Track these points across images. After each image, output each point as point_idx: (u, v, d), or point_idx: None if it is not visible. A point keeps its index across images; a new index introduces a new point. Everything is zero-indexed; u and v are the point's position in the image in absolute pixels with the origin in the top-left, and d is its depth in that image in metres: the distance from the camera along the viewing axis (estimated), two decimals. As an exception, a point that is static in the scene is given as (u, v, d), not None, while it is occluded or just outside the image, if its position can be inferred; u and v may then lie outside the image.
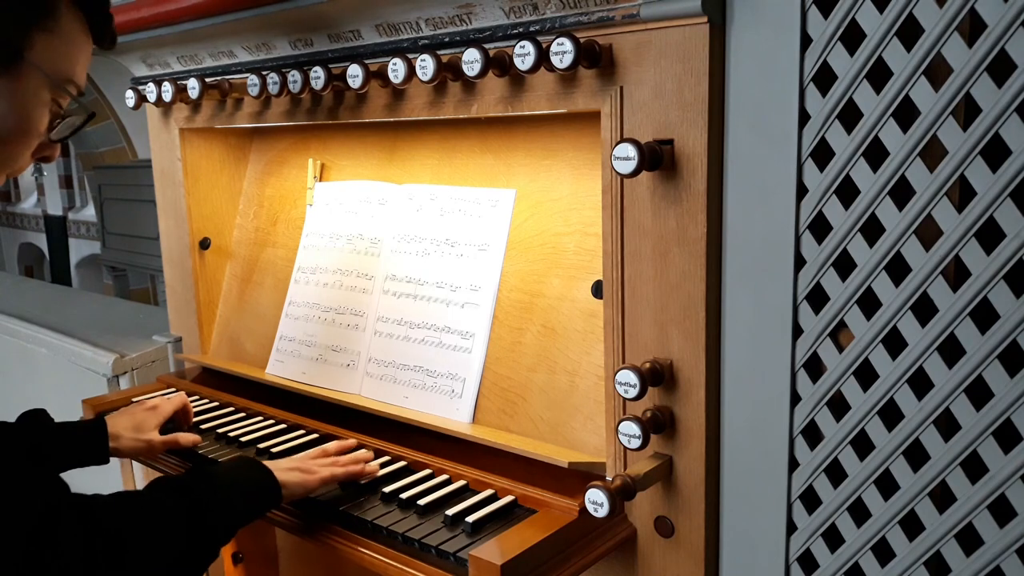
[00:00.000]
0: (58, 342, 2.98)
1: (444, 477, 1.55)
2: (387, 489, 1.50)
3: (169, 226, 2.27)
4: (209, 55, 1.94)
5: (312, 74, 1.64)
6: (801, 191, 1.19)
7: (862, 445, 1.20)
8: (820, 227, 1.18)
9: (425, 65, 1.42)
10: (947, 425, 1.12)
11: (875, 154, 1.12)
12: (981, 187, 1.05)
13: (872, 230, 1.14)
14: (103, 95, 7.72)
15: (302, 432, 1.79)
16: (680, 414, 1.32)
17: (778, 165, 1.19)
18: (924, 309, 1.11)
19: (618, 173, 1.23)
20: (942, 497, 1.14)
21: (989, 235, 1.05)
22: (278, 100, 1.84)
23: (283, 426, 1.84)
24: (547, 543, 1.28)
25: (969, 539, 1.13)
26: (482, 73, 1.35)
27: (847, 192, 1.15)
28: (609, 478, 1.40)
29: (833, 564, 1.25)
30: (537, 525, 1.33)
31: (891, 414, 1.16)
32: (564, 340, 1.56)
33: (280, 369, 2.01)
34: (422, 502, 1.45)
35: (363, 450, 1.64)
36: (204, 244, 2.22)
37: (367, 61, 1.58)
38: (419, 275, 1.79)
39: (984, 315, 1.07)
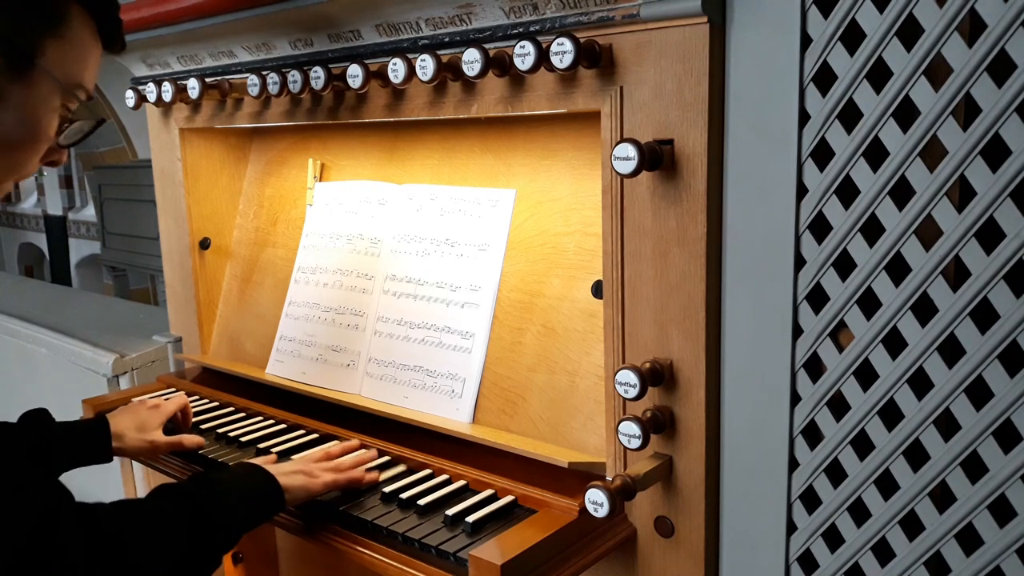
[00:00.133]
0: (58, 342, 2.98)
1: (444, 477, 1.55)
2: (387, 489, 1.50)
3: (169, 226, 2.27)
4: (209, 55, 1.94)
5: (312, 74, 1.64)
6: (801, 191, 1.19)
7: (862, 445, 1.20)
8: (820, 227, 1.18)
9: (425, 65, 1.42)
10: (947, 425, 1.12)
11: (875, 154, 1.12)
12: (981, 187, 1.05)
13: (872, 230, 1.14)
14: (103, 95, 7.72)
15: (302, 432, 1.79)
16: (680, 414, 1.32)
17: (778, 165, 1.19)
18: (924, 309, 1.11)
19: (618, 173, 1.23)
20: (942, 497, 1.14)
21: (989, 235, 1.05)
22: (278, 100, 1.84)
23: (283, 426, 1.84)
24: (547, 543, 1.28)
25: (969, 539, 1.13)
26: (482, 73, 1.35)
27: (847, 192, 1.15)
28: (609, 478, 1.40)
29: (833, 564, 1.25)
30: (537, 525, 1.33)
31: (891, 414, 1.16)
32: (564, 340, 1.56)
33: (280, 369, 2.01)
34: (422, 502, 1.45)
35: (365, 450, 1.64)
36: (204, 244, 2.22)
37: (367, 61, 1.58)
38: (419, 275, 1.79)
39: (984, 315, 1.07)
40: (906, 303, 1.12)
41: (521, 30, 1.39)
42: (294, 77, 1.68)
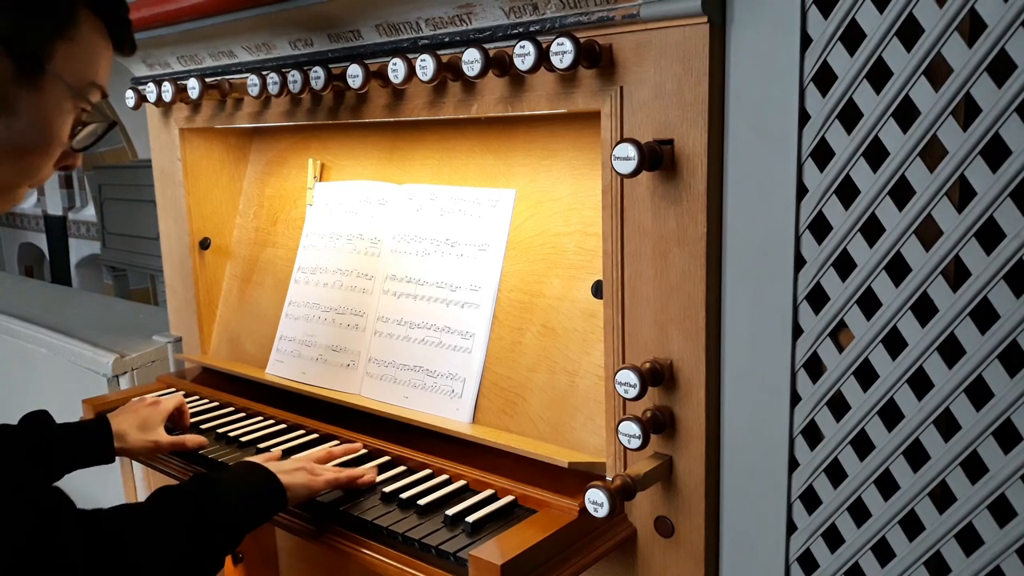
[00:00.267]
0: (58, 342, 2.98)
1: (444, 477, 1.55)
2: (387, 489, 1.50)
3: (169, 226, 2.27)
4: (209, 55, 1.94)
5: (312, 74, 1.64)
6: (801, 191, 1.19)
7: (862, 445, 1.20)
8: (820, 227, 1.18)
9: (425, 65, 1.42)
10: (947, 425, 1.12)
11: (875, 154, 1.12)
12: (981, 187, 1.05)
13: (872, 230, 1.14)
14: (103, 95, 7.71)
15: (302, 432, 1.79)
16: (680, 414, 1.32)
17: (778, 165, 1.19)
18: (924, 309, 1.11)
19: (618, 173, 1.23)
20: (942, 497, 1.14)
21: (989, 235, 1.05)
22: (278, 100, 1.84)
23: (283, 426, 1.84)
24: (547, 543, 1.28)
25: (969, 539, 1.13)
26: (482, 73, 1.35)
27: (847, 192, 1.15)
28: (609, 478, 1.40)
29: (833, 564, 1.25)
30: (537, 525, 1.33)
31: (891, 414, 1.16)
32: (564, 340, 1.56)
33: (280, 369, 2.01)
34: (422, 502, 1.45)
35: (368, 465, 1.59)
36: (204, 244, 2.22)
37: (367, 61, 1.58)
38: (419, 275, 1.79)
39: (984, 315, 1.07)
40: (906, 303, 1.12)
41: (521, 30, 1.39)
42: (294, 77, 1.68)
